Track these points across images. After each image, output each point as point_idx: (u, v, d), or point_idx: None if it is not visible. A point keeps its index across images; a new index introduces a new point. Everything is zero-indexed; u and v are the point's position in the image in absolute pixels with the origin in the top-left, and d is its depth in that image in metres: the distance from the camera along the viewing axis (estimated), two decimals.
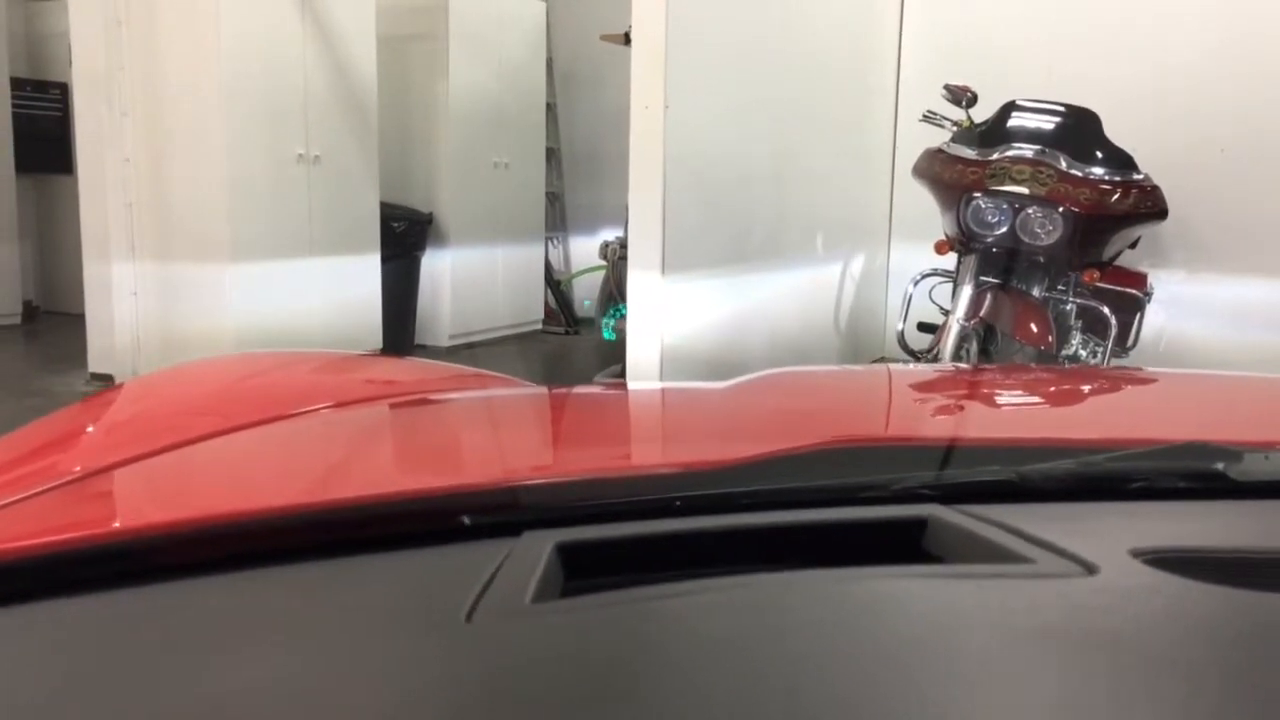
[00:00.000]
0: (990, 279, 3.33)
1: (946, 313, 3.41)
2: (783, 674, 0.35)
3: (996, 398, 1.00)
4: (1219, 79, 4.15)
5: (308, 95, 4.40)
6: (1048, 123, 3.37)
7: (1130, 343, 3.79)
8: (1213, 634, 0.38)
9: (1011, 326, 3.27)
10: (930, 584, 0.44)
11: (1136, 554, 0.46)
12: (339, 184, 4.59)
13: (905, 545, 0.51)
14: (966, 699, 0.33)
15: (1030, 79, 4.17)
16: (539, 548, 0.48)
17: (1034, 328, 3.21)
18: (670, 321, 3.29)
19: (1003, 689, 0.34)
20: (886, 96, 4.78)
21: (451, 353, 5.33)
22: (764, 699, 0.33)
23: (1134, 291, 3.72)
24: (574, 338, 5.94)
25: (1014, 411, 0.95)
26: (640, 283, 3.28)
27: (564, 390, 1.00)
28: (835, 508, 0.55)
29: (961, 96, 3.56)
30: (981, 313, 3.27)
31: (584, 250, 6.31)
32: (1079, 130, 3.34)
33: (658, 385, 1.96)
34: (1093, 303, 3.42)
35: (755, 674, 0.35)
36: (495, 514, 0.55)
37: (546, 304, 6.18)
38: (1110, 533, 0.50)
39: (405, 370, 1.27)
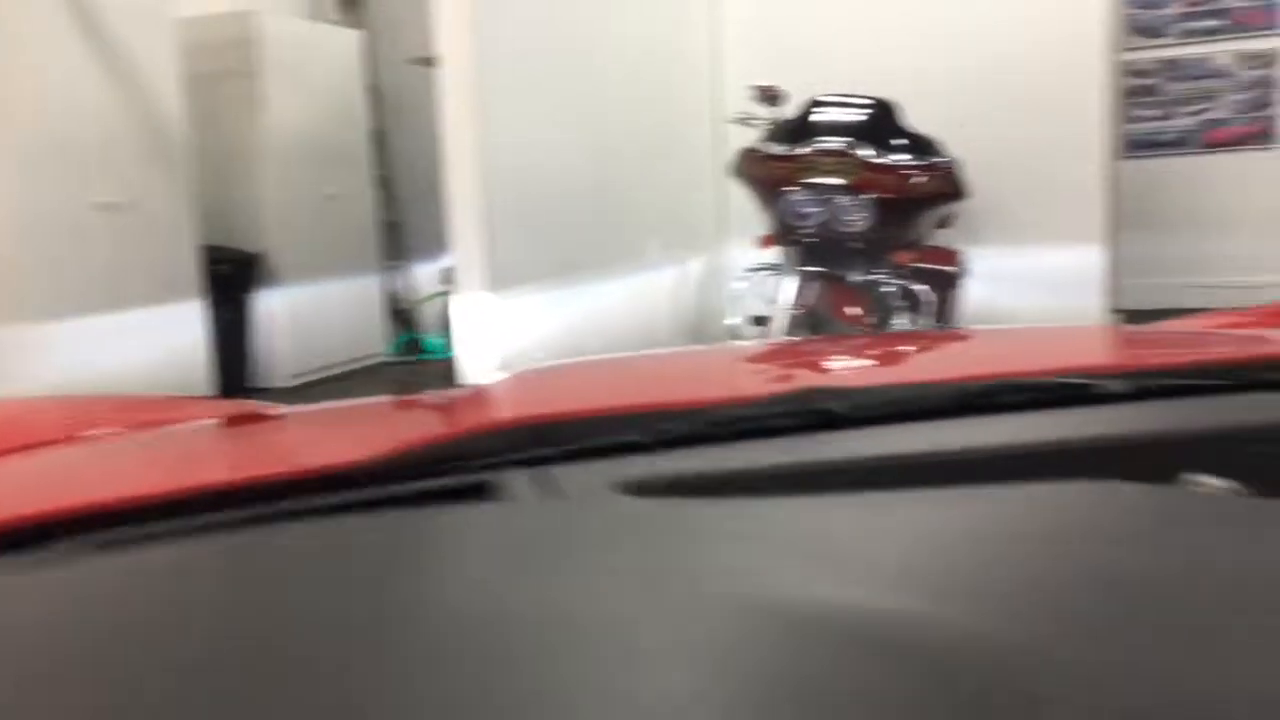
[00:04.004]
0: (812, 268, 3.45)
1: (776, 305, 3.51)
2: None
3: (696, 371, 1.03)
4: (1016, 58, 4.38)
5: (108, 140, 4.22)
6: (849, 115, 3.51)
7: (952, 317, 3.96)
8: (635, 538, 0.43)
9: (834, 312, 3.39)
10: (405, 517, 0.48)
11: (616, 484, 0.51)
12: (148, 231, 4.40)
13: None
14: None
15: (848, 74, 4.29)
16: None
17: (854, 311, 3.33)
18: (502, 340, 3.29)
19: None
20: (710, 99, 4.88)
21: (295, 392, 5.18)
22: None
23: (950, 269, 3.90)
24: (421, 367, 5.86)
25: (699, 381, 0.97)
26: (468, 303, 3.26)
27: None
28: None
29: (769, 96, 3.66)
30: (806, 301, 3.38)
31: (430, 277, 6.24)
32: (879, 120, 3.49)
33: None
34: (909, 282, 3.56)
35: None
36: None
37: (394, 334, 6.08)
38: (618, 470, 0.53)
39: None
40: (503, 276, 3.27)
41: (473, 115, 3.13)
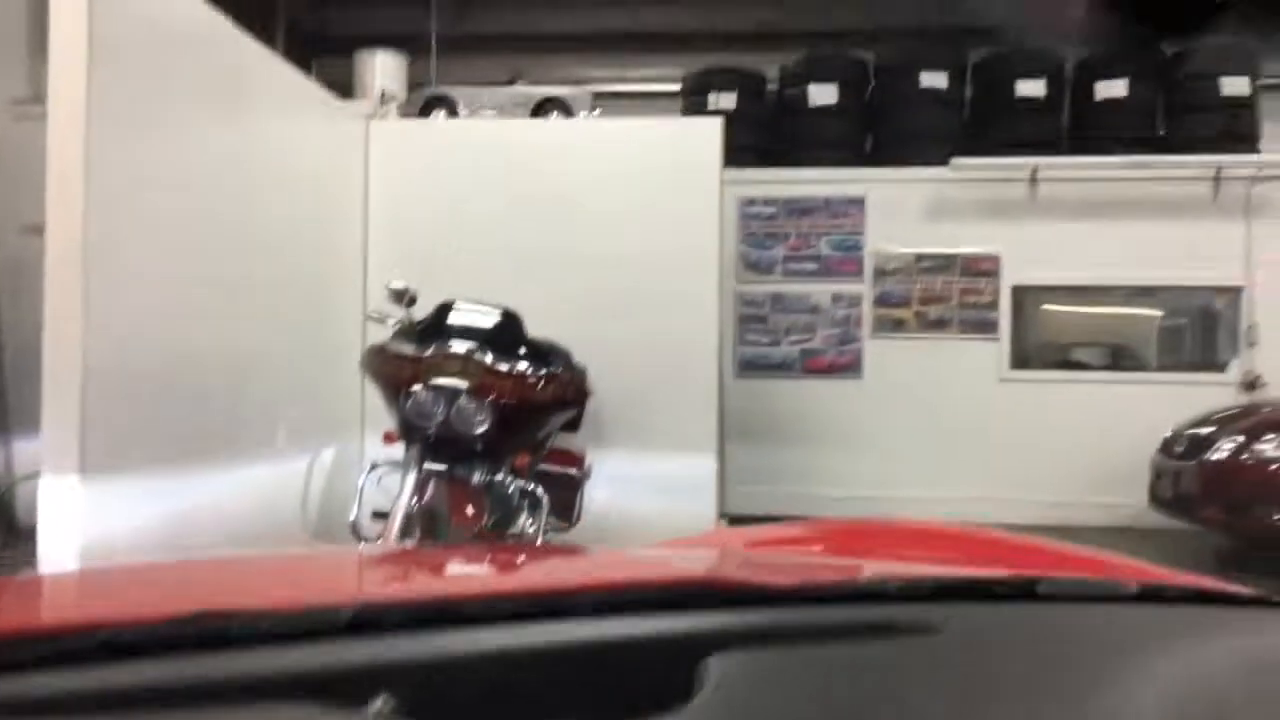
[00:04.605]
0: (432, 467, 3.49)
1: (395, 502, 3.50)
2: None
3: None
4: (644, 280, 4.80)
5: None
6: (477, 322, 3.68)
7: (575, 518, 4.12)
8: None
9: (452, 511, 3.44)
10: None
11: None
12: None
13: None
14: None
15: (486, 284, 4.50)
16: None
17: (469, 511, 3.40)
18: (92, 532, 3.03)
19: None
20: (354, 294, 4.93)
21: None
22: None
23: (571, 471, 4.09)
24: (15, 555, 5.23)
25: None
26: (53, 489, 3.01)
27: None
28: None
29: (403, 296, 3.77)
30: (425, 499, 3.41)
31: (35, 456, 5.66)
32: (504, 328, 3.69)
33: None
34: (528, 484, 3.68)
35: None
36: None
37: None
38: None
39: None
40: (97, 459, 3.05)
41: (71, 288, 2.99)
